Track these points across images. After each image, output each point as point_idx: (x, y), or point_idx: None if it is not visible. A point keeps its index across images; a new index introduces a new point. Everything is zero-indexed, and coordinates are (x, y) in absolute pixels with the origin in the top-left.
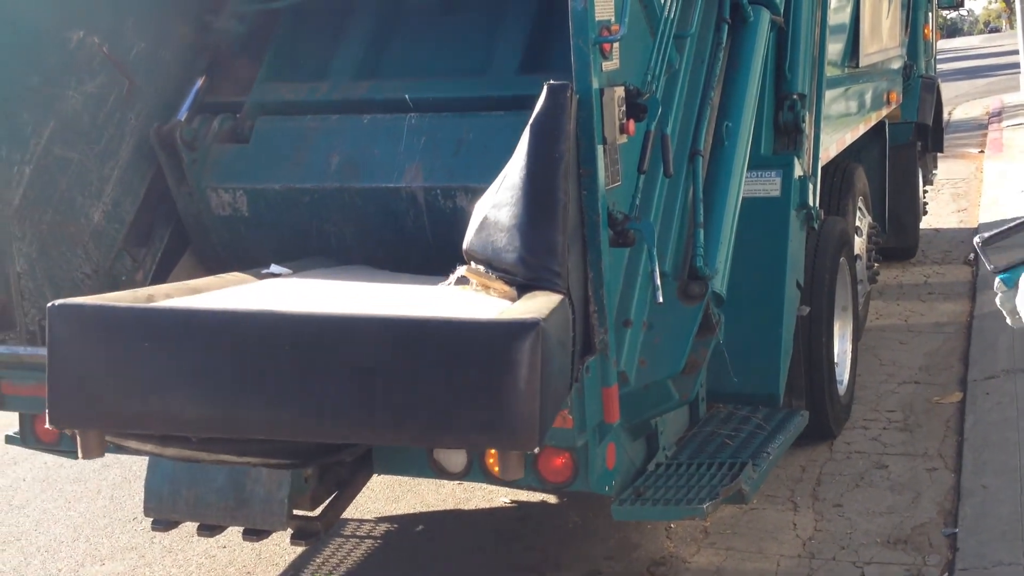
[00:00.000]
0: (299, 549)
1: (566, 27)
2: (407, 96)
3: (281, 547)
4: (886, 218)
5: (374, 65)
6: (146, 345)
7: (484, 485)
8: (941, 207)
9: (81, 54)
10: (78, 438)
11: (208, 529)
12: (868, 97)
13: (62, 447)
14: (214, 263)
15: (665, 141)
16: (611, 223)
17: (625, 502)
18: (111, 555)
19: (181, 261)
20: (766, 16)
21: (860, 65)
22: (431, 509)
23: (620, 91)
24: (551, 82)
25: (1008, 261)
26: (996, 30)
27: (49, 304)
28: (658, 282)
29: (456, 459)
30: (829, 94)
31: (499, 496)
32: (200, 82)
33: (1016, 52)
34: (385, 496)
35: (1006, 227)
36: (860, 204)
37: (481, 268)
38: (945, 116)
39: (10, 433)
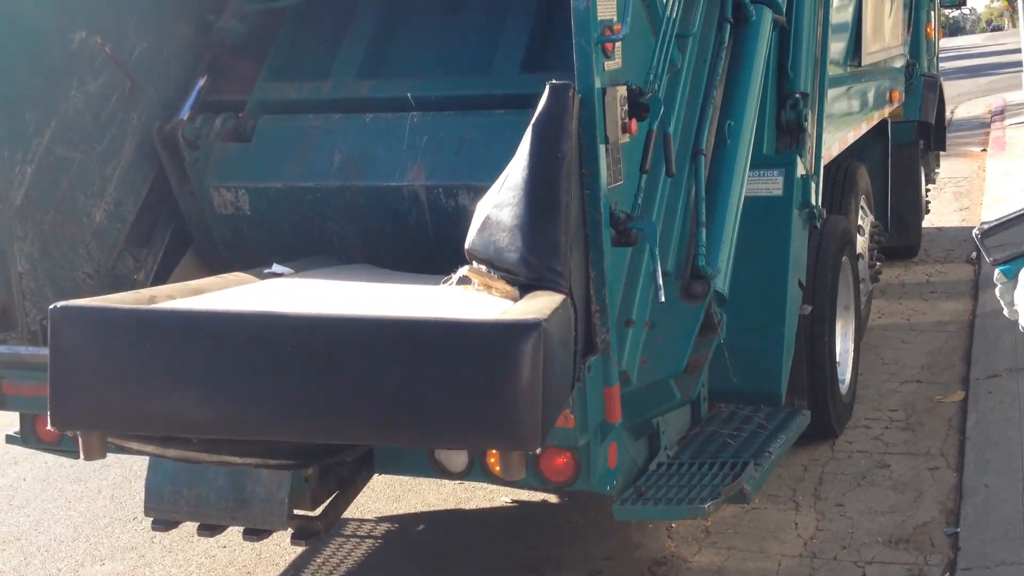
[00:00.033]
0: (299, 549)
1: (568, 25)
2: (409, 95)
3: (281, 547)
4: (888, 217)
5: (376, 64)
6: (148, 347)
7: (485, 485)
8: (943, 206)
9: (83, 54)
10: (80, 439)
11: (208, 529)
12: (870, 96)
13: (63, 447)
14: (216, 262)
15: (667, 140)
16: (613, 222)
17: (627, 502)
18: (111, 555)
19: (183, 260)
20: (768, 15)
21: (862, 64)
22: (432, 509)
23: (622, 90)
24: (553, 82)
25: (1008, 253)
26: (998, 28)
27: (52, 306)
28: (660, 281)
29: (457, 459)
30: (831, 93)
31: (500, 495)
32: (202, 81)
33: (1018, 50)
34: (386, 496)
35: (1005, 218)
36: (862, 203)
37: (483, 268)
38: (947, 115)
39: (11, 433)
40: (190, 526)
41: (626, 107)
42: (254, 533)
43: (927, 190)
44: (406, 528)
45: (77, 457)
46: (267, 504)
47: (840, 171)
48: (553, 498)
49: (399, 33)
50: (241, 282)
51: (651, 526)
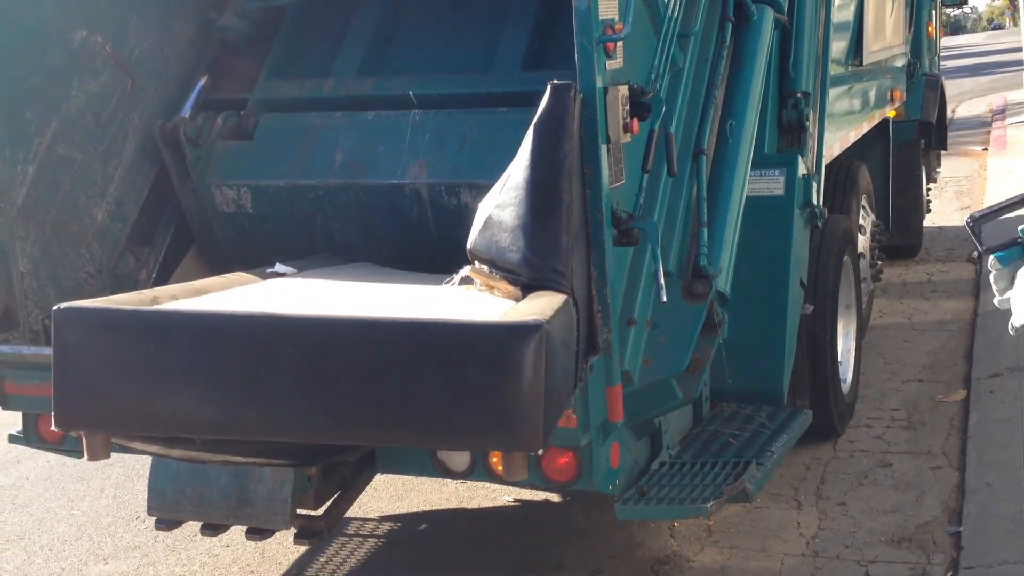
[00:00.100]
0: (302, 548)
1: (569, 23)
2: (411, 92)
3: (284, 546)
4: (890, 216)
5: (378, 62)
6: (152, 348)
7: (487, 484)
8: (944, 205)
9: (84, 53)
10: (84, 440)
11: (211, 528)
12: (872, 95)
13: (65, 446)
14: (218, 261)
15: (669, 140)
16: (615, 222)
17: (629, 501)
18: (114, 554)
19: (185, 259)
20: (770, 14)
21: (864, 63)
22: (434, 508)
23: (624, 90)
24: (555, 81)
25: (1000, 240)
26: (999, 27)
27: (55, 307)
28: (662, 281)
29: (459, 459)
30: (833, 92)
31: (502, 495)
32: (204, 80)
33: (1020, 49)
34: (388, 495)
35: (996, 205)
36: (864, 202)
37: (485, 268)
38: (948, 114)
39: (13, 432)
40: (193, 525)
41: (628, 107)
42: (257, 532)
43: (928, 189)
44: (408, 527)
45: (79, 456)
46: (270, 503)
47: (841, 170)
48: (555, 498)
49: (400, 31)
50: (244, 282)
51: (653, 525)
